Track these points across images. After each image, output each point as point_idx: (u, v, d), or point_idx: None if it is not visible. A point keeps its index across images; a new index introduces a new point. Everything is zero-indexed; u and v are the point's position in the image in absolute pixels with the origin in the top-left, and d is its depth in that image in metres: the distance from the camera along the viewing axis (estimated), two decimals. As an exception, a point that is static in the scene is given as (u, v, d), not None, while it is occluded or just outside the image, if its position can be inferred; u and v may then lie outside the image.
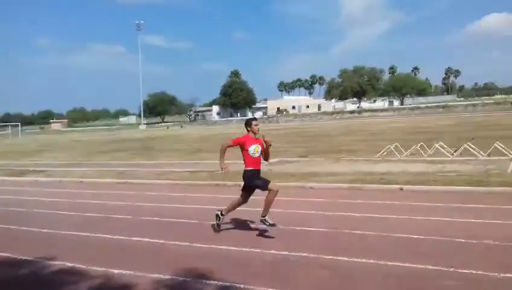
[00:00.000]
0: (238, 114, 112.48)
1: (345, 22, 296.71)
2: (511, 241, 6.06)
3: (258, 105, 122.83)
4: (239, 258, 6.12)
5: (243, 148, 6.91)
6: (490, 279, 4.90)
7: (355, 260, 5.77)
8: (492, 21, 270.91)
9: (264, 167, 7.48)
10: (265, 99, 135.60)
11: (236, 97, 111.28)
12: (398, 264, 5.52)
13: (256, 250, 6.38)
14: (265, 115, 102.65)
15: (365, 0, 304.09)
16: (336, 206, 9.05)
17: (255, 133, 6.98)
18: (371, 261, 5.67)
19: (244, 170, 6.94)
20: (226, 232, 7.47)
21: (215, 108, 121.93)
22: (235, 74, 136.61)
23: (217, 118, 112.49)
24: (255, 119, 7.23)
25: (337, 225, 7.55)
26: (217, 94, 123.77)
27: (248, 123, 7.01)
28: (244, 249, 6.47)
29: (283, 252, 6.20)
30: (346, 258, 5.84)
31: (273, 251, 6.28)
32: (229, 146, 6.98)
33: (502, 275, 4.96)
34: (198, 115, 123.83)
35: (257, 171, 6.94)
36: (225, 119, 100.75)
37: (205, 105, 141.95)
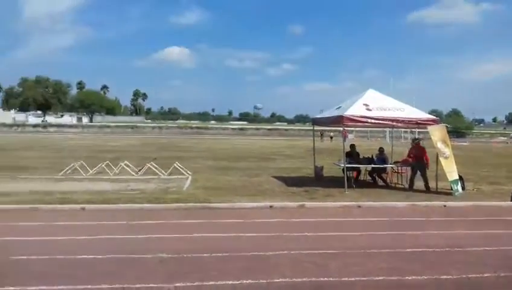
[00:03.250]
0: None
1: (27, 27, 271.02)
2: (183, 253, 6.58)
3: None
4: None
5: None
6: (162, 292, 5.14)
7: (25, 288, 5.03)
8: (174, 52, 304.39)
9: None
10: None
11: None
12: (70, 287, 5.12)
13: None
14: None
15: (50, 8, 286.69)
16: (8, 230, 7.81)
17: None
18: (42, 287, 5.08)
19: None
20: None
21: None
22: None
23: None
24: None
25: (4, 250, 6.46)
26: None
27: None
28: None
29: None
30: (12, 288, 5.03)
31: None
32: None
33: (173, 284, 5.28)
34: None
35: None
36: None
37: None
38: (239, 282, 5.42)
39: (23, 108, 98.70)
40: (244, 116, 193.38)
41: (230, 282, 5.41)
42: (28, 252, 6.51)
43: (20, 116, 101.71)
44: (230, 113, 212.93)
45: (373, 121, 13.15)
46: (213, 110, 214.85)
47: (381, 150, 15.15)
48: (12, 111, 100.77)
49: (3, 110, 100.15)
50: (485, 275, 5.82)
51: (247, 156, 26.46)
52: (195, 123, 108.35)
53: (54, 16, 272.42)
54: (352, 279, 5.60)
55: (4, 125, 74.77)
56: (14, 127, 73.35)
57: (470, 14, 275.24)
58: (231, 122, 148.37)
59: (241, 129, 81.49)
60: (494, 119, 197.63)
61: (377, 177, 14.88)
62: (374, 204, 10.94)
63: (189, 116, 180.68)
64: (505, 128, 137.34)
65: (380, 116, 13.11)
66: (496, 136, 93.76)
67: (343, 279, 5.59)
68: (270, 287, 5.31)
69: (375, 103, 13.51)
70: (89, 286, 5.21)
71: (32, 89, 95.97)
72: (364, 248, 7.01)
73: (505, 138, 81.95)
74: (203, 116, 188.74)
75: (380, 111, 13.22)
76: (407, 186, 13.93)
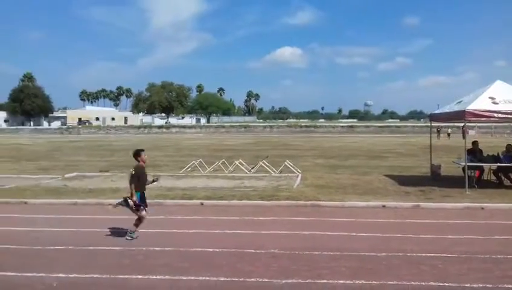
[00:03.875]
0: (31, 122, 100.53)
1: (154, 36, 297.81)
2: (294, 250, 6.76)
3: (56, 114, 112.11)
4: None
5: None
6: (274, 285, 5.35)
7: (150, 277, 5.64)
8: (286, 53, 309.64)
9: (58, 182, 6.72)
10: (65, 108, 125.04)
11: (29, 104, 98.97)
12: (191, 278, 5.59)
13: (39, 274, 5.67)
14: (65, 125, 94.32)
15: (174, 17, 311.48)
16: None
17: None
18: (166, 277, 5.62)
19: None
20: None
21: (2, 114, 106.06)
22: (28, 77, 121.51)
23: (4, 125, 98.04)
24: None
25: (134, 242, 7.27)
26: (5, 99, 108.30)
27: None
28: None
29: (72, 275, 5.65)
30: (140, 276, 5.66)
31: (61, 275, 5.67)
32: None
33: (284, 281, 5.47)
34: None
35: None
36: (15, 127, 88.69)
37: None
38: (351, 282, 5.42)
39: (150, 111, 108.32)
40: (354, 114, 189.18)
41: (342, 281, 5.43)
42: (149, 243, 7.24)
43: (147, 119, 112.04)
44: (339, 111, 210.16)
45: (500, 115, 12.00)
46: (322, 108, 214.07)
47: (508, 147, 13.75)
48: (141, 114, 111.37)
49: (133, 113, 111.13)
50: None
51: (357, 154, 25.88)
52: (304, 122, 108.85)
53: (177, 25, 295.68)
54: (475, 285, 5.26)
55: (132, 127, 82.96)
56: (142, 128, 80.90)
57: None
58: (340, 120, 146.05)
59: (351, 127, 79.72)
60: None
61: (503, 177, 13.56)
62: (500, 206, 10.04)
63: (298, 115, 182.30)
64: None
65: (509, 110, 11.93)
66: None
67: (465, 285, 5.27)
68: (383, 289, 5.23)
69: (502, 96, 12.31)
70: (208, 278, 5.64)
71: (158, 93, 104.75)
72: (489, 253, 6.51)
73: None
74: (313, 115, 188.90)
75: (508, 104, 12.04)
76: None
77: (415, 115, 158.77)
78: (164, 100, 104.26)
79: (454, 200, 10.76)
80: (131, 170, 7.55)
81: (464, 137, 14.33)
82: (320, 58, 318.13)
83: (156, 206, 10.37)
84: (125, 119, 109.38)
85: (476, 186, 12.55)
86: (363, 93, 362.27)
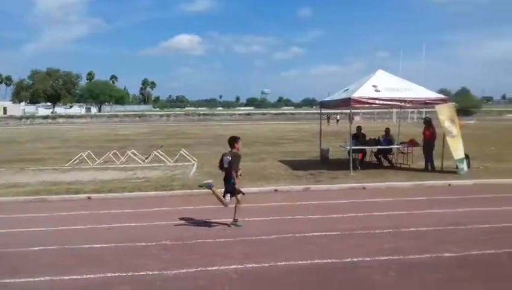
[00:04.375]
0: None
1: (40, 19, 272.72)
2: (187, 239, 6.65)
3: None
4: None
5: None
6: (164, 277, 5.20)
7: (28, 280, 5.15)
8: (183, 40, 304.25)
9: None
10: None
11: None
12: (75, 277, 5.22)
13: None
14: None
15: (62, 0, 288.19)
16: (12, 222, 7.95)
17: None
18: (46, 278, 5.18)
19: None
20: None
21: None
22: None
23: None
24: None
25: (11, 243, 6.59)
26: None
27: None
28: None
29: None
30: (16, 280, 5.14)
31: None
32: None
33: (174, 271, 5.35)
34: None
35: None
36: None
37: None
38: (243, 266, 5.48)
39: (33, 100, 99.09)
40: (251, 102, 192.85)
41: (233, 267, 5.47)
42: (33, 243, 6.63)
43: (30, 109, 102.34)
44: (237, 99, 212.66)
45: (381, 102, 13.01)
46: (220, 96, 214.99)
47: (387, 130, 15.04)
48: (23, 103, 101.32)
49: (14, 103, 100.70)
50: (487, 251, 5.83)
51: (254, 141, 26.42)
52: (202, 110, 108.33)
53: (65, 7, 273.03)
54: (355, 259, 5.63)
55: (13, 117, 75.39)
56: (24, 119, 73.85)
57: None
58: (238, 108, 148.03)
59: (248, 114, 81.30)
60: (503, 97, 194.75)
61: (382, 159, 14.82)
62: (379, 185, 10.94)
63: (197, 104, 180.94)
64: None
65: (389, 97, 12.97)
66: (504, 113, 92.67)
67: (346, 260, 5.63)
68: (274, 271, 5.37)
69: (383, 84, 13.34)
70: (93, 276, 5.30)
71: (43, 81, 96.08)
72: (369, 229, 7.04)
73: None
74: (211, 103, 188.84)
75: (388, 92, 13.08)
76: (413, 166, 13.88)
77: (308, 103, 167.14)
78: (49, 88, 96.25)
79: (340, 181, 11.48)
80: (228, 157, 7.35)
81: (350, 123, 15.32)
82: (218, 46, 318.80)
83: (38, 203, 9.58)
84: (4, 109, 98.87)
85: (360, 167, 13.54)
86: (260, 81, 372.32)
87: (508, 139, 25.64)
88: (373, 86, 13.21)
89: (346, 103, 13.13)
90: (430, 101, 13.47)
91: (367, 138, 15.12)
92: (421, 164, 13.69)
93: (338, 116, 51.66)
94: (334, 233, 6.87)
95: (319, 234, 6.84)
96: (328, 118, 49.90)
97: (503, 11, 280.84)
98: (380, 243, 6.34)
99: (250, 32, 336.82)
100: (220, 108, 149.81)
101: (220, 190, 7.44)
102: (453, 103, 14.19)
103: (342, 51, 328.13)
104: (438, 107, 13.18)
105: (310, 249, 6.14)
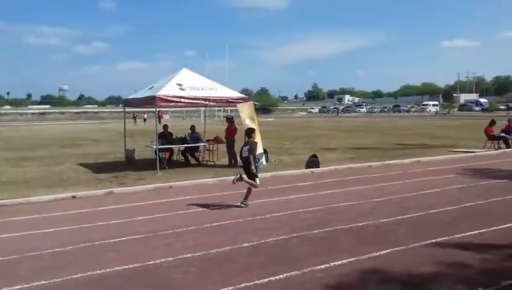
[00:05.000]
0: None
1: None
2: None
3: None
4: None
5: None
6: None
7: None
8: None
9: None
10: None
11: None
12: None
13: None
14: None
15: None
16: None
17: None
18: None
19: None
20: None
21: None
22: None
23: None
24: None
25: None
26: None
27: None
28: None
29: None
30: None
31: None
32: None
33: None
34: None
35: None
36: None
37: None
38: (28, 285, 4.78)
39: None
40: (46, 100, 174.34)
41: (19, 286, 4.72)
42: None
43: None
44: (29, 96, 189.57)
45: (186, 100, 13.15)
46: (8, 93, 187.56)
47: (192, 128, 15.35)
48: None
49: None
50: (281, 237, 6.38)
51: (48, 143, 23.92)
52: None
53: None
54: (158, 261, 5.48)
55: None
56: None
57: (278, 1, 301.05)
58: (30, 106, 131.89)
59: (43, 114, 73.47)
60: (296, 96, 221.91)
61: (189, 157, 15.08)
62: (185, 183, 11.05)
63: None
64: (303, 104, 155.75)
65: (193, 95, 13.18)
66: (296, 111, 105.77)
67: (149, 263, 5.43)
68: (67, 286, 4.82)
69: (188, 83, 13.51)
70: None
71: None
72: (174, 228, 6.98)
73: (305, 113, 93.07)
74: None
75: (193, 90, 13.29)
76: (218, 163, 14.49)
77: (114, 101, 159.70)
78: None
79: (146, 182, 11.20)
80: (247, 146, 8.45)
81: (159, 122, 15.12)
82: (6, 37, 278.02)
83: None
84: None
85: (167, 167, 13.48)
86: (58, 77, 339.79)
87: (298, 134, 29.18)
88: (178, 84, 13.29)
89: (151, 101, 12.89)
90: (232, 100, 14.28)
91: (174, 137, 15.18)
92: (226, 160, 14.40)
93: (145, 115, 50.87)
94: (137, 236, 6.59)
95: (121, 239, 6.47)
96: (135, 117, 48.69)
97: (298, 18, 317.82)
98: (185, 240, 6.34)
99: (46, 23, 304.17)
100: (8, 106, 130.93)
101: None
102: (253, 102, 15.33)
103: (149, 48, 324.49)
104: (239, 106, 14.06)
105: (110, 256, 5.74)
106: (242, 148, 8.68)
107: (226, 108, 48.43)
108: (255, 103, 15.49)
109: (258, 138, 13.85)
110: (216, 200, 9.21)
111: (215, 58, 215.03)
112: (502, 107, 74.17)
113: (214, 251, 5.85)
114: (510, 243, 5.91)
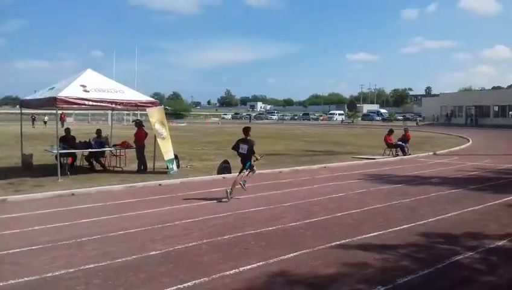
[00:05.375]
0: None
1: None
2: None
3: None
4: None
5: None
6: None
7: None
8: None
9: None
10: None
11: None
12: None
13: None
14: None
15: None
16: None
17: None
18: None
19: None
20: None
21: None
22: None
23: None
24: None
25: None
26: None
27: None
28: None
29: None
30: None
31: None
32: None
33: None
34: None
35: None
36: None
37: None
38: None
39: None
40: None
41: None
42: None
43: None
44: None
45: (91, 103, 12.40)
46: None
47: (98, 132, 14.59)
48: None
49: None
50: (190, 244, 6.27)
51: None
52: None
53: None
54: (57, 273, 5.09)
55: None
56: None
57: (191, 5, 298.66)
58: None
59: None
60: (209, 102, 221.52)
61: (94, 162, 14.30)
62: (90, 190, 10.45)
63: None
64: (216, 110, 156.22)
65: (99, 98, 12.48)
66: (209, 117, 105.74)
67: (47, 275, 5.02)
68: None
69: (93, 84, 12.76)
70: None
71: None
72: (76, 237, 6.54)
73: (217, 119, 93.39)
74: None
75: (98, 93, 12.59)
76: (126, 168, 13.92)
77: (10, 101, 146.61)
78: None
79: (45, 189, 10.42)
80: (244, 144, 9.43)
81: (62, 125, 14.15)
82: None
83: None
84: None
85: (69, 173, 12.64)
86: None
87: (211, 139, 29.13)
88: (81, 85, 12.53)
89: (51, 102, 11.98)
90: (141, 104, 13.80)
91: (77, 141, 14.30)
92: (135, 166, 13.89)
93: (46, 118, 47.49)
94: (35, 247, 6.08)
95: (16, 250, 5.92)
96: (34, 119, 45.27)
97: (211, 24, 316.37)
98: (87, 251, 5.96)
99: None
100: None
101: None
102: (163, 106, 14.99)
103: (52, 46, 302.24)
104: (148, 110, 13.65)
105: (4, 269, 5.23)
106: (239, 144, 9.50)
107: (136, 112, 46.94)
108: (166, 107, 15.23)
109: (168, 143, 13.60)
110: (122, 207, 8.83)
111: (124, 60, 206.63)
112: (399, 117, 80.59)
113: (119, 260, 5.57)
114: (406, 243, 6.37)
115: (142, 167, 13.73)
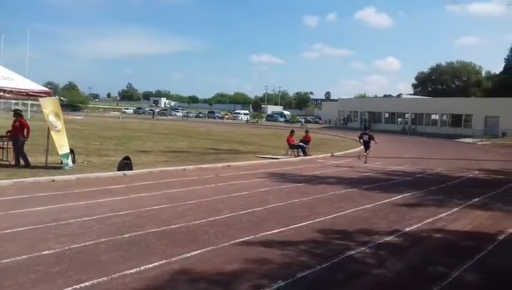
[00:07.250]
0: None
1: None
2: None
3: None
4: None
5: None
6: None
7: None
8: None
9: None
10: None
11: None
12: None
13: None
14: None
15: None
16: None
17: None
18: None
19: None
20: None
21: None
22: None
23: None
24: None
25: None
26: None
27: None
28: None
29: None
30: None
31: None
32: None
33: None
34: None
35: None
36: None
37: None
38: None
39: None
40: None
41: None
42: None
43: None
44: None
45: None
46: None
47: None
48: None
49: None
50: (87, 243, 5.92)
51: None
52: None
53: None
54: None
55: None
56: None
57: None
58: None
59: None
60: (109, 95, 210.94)
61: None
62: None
63: None
64: (117, 104, 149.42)
65: None
66: (109, 110, 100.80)
67: None
68: None
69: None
70: None
71: None
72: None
73: (118, 113, 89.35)
74: None
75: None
76: (13, 162, 12.72)
77: None
78: None
79: None
80: None
81: None
82: None
83: None
84: None
85: None
86: None
87: (111, 134, 27.79)
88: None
89: None
90: (33, 93, 12.72)
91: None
92: (30, 159, 12.73)
93: None
94: None
95: None
96: None
97: (113, 13, 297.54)
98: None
99: None
100: None
101: None
102: (58, 97, 13.98)
103: None
104: (42, 101, 12.62)
105: None
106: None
107: (26, 101, 43.10)
108: (61, 98, 14.14)
109: (63, 136, 12.69)
110: (10, 204, 8.06)
111: (14, 45, 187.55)
112: (301, 119, 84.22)
113: (7, 260, 5.09)
114: (305, 239, 6.67)
115: (23, 163, 12.48)
